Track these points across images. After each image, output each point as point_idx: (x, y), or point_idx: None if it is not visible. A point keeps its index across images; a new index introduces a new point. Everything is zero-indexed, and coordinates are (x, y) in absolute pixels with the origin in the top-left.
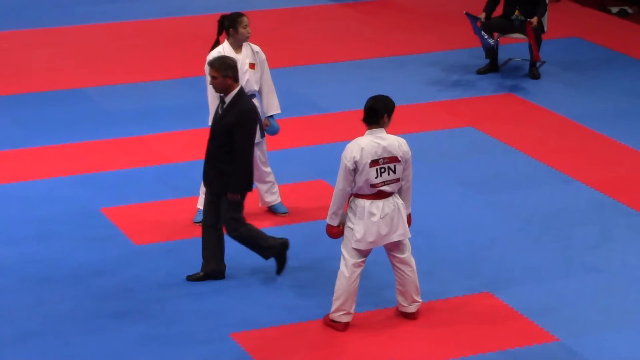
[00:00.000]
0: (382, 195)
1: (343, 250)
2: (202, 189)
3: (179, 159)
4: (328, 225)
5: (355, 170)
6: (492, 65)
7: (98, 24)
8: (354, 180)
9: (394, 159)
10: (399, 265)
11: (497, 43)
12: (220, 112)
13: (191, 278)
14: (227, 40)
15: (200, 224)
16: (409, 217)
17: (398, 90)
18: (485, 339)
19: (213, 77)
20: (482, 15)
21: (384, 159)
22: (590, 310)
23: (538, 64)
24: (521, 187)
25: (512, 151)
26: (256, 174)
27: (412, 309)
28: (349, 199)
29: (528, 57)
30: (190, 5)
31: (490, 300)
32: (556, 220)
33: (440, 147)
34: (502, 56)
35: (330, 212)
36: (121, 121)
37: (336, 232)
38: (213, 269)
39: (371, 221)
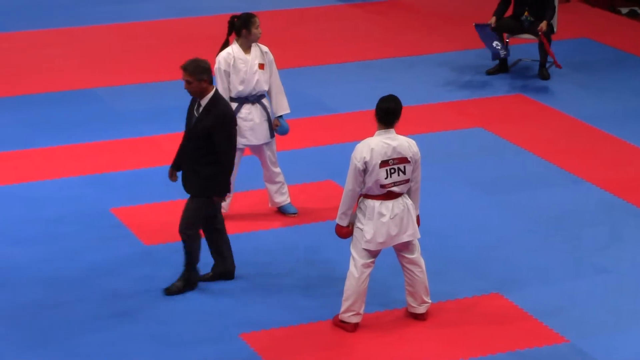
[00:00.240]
0: (391, 195)
1: (352, 251)
2: None
3: None
4: (337, 225)
5: (365, 170)
6: (502, 66)
7: (108, 25)
8: (363, 181)
9: (404, 160)
10: (408, 265)
11: (507, 53)
12: (196, 114)
13: (201, 278)
14: (237, 40)
15: None
16: (417, 218)
17: (407, 90)
18: (495, 339)
19: (188, 82)
20: (492, 20)
21: (393, 159)
22: (600, 311)
23: (548, 64)
24: (530, 187)
25: (521, 152)
26: (266, 174)
27: (421, 309)
28: (358, 199)
29: (538, 57)
30: (199, 6)
31: (500, 301)
32: (565, 220)
33: (449, 147)
34: (511, 57)
35: (339, 212)
36: (131, 121)
37: (345, 232)
38: (222, 269)
39: (381, 222)
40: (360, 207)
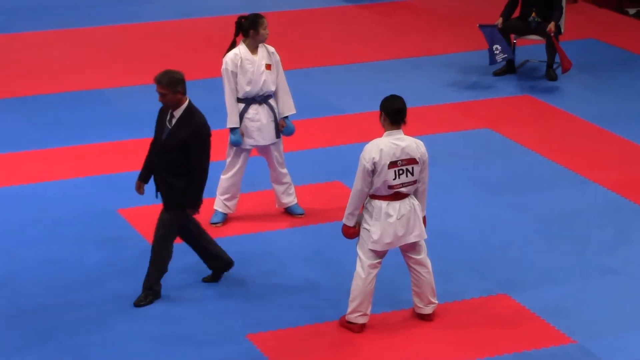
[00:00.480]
0: (398, 196)
1: (359, 252)
2: (219, 190)
3: None
4: (344, 225)
5: (373, 171)
6: (509, 67)
7: (115, 25)
8: (372, 182)
9: (412, 161)
10: (415, 266)
11: (508, 56)
12: (169, 126)
13: (206, 280)
14: (244, 41)
15: (217, 225)
16: (424, 218)
17: (414, 91)
18: (502, 340)
19: (162, 95)
20: (499, 21)
21: (402, 160)
22: (607, 312)
23: (555, 65)
24: (537, 188)
25: (528, 153)
26: (273, 175)
27: (428, 310)
28: (365, 199)
29: (545, 58)
30: (206, 7)
31: (507, 301)
32: (572, 221)
33: (456, 148)
34: (519, 58)
35: (347, 212)
36: (139, 122)
37: (352, 232)
38: (221, 265)
39: (388, 222)
40: (366, 208)
